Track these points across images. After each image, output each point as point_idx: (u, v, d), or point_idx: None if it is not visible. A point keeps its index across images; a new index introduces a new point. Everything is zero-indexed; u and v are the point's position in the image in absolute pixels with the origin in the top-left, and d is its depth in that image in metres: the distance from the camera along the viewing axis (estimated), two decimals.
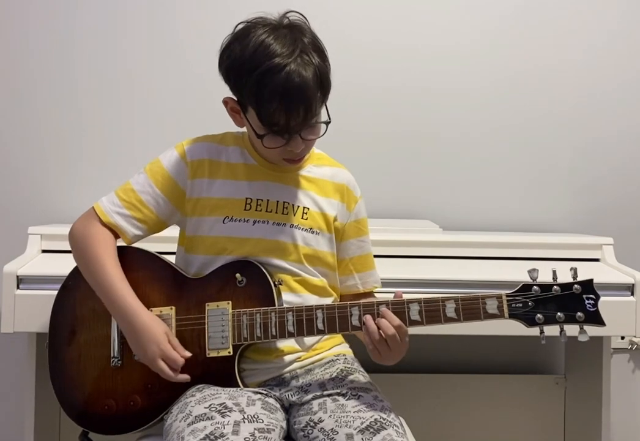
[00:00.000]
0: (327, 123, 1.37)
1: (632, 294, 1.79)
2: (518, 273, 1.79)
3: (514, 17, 2.30)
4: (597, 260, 1.95)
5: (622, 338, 2.29)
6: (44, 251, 1.86)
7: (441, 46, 2.29)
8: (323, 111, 1.38)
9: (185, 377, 1.34)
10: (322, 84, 1.32)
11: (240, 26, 1.37)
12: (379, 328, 1.30)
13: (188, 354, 1.35)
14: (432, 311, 1.31)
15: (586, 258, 1.95)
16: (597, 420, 1.96)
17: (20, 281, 1.72)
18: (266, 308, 1.36)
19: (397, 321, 1.30)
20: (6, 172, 2.22)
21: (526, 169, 2.32)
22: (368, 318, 1.32)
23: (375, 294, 1.60)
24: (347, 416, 1.32)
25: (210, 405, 1.28)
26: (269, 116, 1.30)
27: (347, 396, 1.38)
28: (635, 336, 1.84)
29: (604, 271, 1.88)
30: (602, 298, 1.30)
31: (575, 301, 1.29)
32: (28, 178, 2.23)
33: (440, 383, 2.18)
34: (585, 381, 2.08)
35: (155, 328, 1.35)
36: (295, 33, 1.33)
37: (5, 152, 2.23)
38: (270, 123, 1.32)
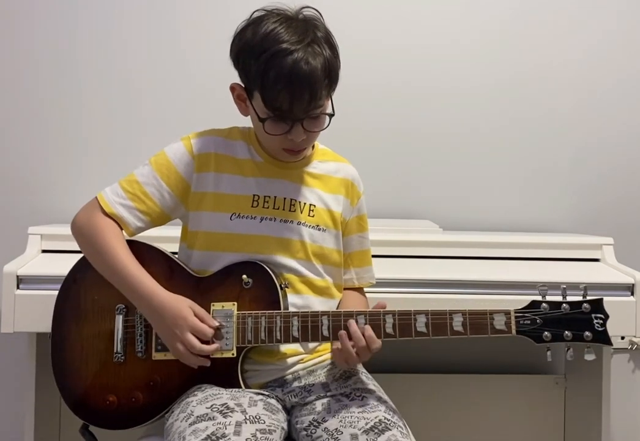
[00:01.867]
0: (331, 116, 1.37)
1: (632, 294, 1.79)
2: (518, 273, 1.82)
3: (514, 16, 2.30)
4: (597, 260, 1.95)
5: (622, 338, 2.28)
6: (44, 251, 1.86)
7: (442, 45, 2.29)
8: (328, 104, 1.38)
9: (217, 346, 1.34)
10: (330, 74, 1.32)
11: (256, 13, 1.37)
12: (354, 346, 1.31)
13: (216, 323, 1.35)
14: (439, 324, 1.31)
15: (586, 258, 1.95)
16: (597, 420, 1.96)
17: (20, 281, 1.71)
18: (271, 311, 1.36)
19: (376, 344, 1.30)
20: (6, 172, 2.22)
21: (526, 169, 2.32)
22: (343, 336, 1.31)
23: (372, 294, 1.61)
24: (351, 416, 1.32)
25: (212, 405, 1.28)
26: (273, 99, 1.30)
27: (351, 397, 1.38)
28: (635, 336, 1.84)
29: (604, 271, 1.88)
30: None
31: (584, 320, 1.29)
32: (28, 178, 2.23)
33: (441, 383, 2.18)
34: (585, 381, 2.08)
35: (178, 302, 1.34)
36: (309, 25, 1.34)
37: (5, 152, 2.23)
38: (274, 107, 1.31)
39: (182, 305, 1.34)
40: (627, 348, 2.33)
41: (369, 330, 1.31)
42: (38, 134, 2.23)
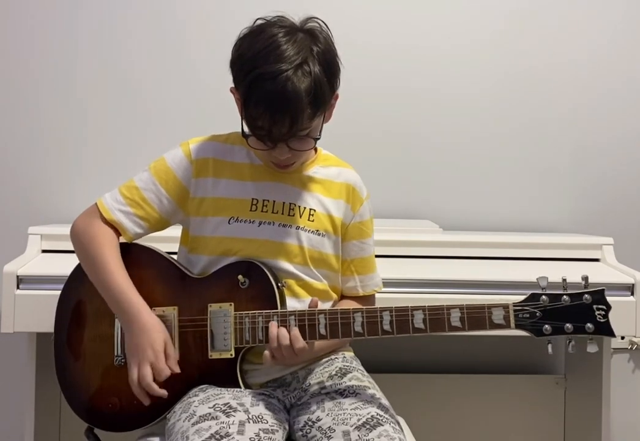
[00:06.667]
0: (316, 139, 1.36)
1: (632, 294, 1.79)
2: (518, 273, 1.82)
3: (514, 18, 2.30)
4: (597, 260, 1.95)
5: (622, 338, 2.28)
6: (44, 251, 1.86)
7: (442, 48, 2.29)
8: (318, 125, 1.35)
9: (163, 392, 1.32)
10: (315, 98, 1.28)
11: (258, 22, 1.35)
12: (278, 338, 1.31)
13: (177, 370, 1.34)
14: (437, 320, 1.29)
15: (586, 258, 1.95)
16: (597, 420, 1.96)
17: (20, 281, 1.71)
18: (268, 311, 1.35)
19: (300, 344, 1.31)
20: (6, 172, 2.22)
21: (526, 169, 2.32)
22: (272, 326, 1.32)
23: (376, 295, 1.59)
24: (344, 413, 1.32)
25: (214, 405, 1.28)
26: (253, 120, 1.30)
27: (345, 394, 1.38)
28: (635, 336, 1.84)
29: (604, 271, 1.88)
30: None
31: (585, 311, 1.25)
32: (28, 178, 2.23)
33: (440, 383, 2.18)
34: (585, 381, 2.08)
35: (156, 333, 1.34)
36: (307, 40, 1.31)
37: (5, 152, 2.23)
38: (254, 127, 1.31)
39: (158, 337, 1.33)
40: (627, 348, 2.33)
41: (294, 331, 1.31)
42: (38, 134, 2.23)
